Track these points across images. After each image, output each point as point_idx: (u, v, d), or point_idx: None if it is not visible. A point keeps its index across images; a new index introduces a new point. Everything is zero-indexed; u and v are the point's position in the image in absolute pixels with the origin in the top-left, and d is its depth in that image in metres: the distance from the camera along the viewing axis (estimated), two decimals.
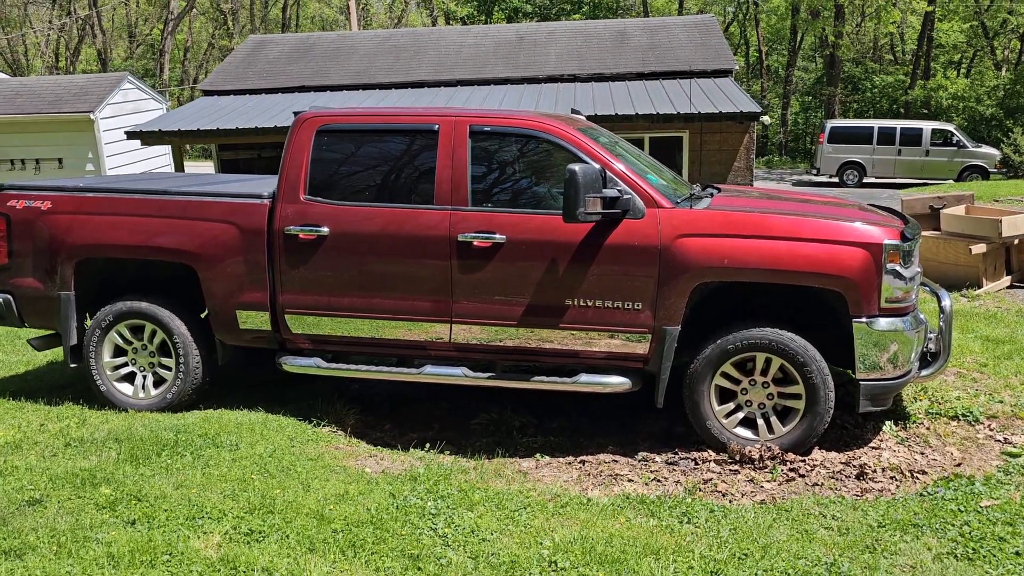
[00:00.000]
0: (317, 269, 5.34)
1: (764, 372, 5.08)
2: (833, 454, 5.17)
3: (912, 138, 25.88)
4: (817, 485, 4.88)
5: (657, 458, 5.29)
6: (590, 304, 5.04)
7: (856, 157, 26.40)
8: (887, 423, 5.51)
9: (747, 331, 5.02)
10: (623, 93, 12.06)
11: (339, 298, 5.35)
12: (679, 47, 13.80)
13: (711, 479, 5.02)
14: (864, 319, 4.86)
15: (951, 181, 25.11)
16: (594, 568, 3.51)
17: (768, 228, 4.94)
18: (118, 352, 5.91)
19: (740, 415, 5.18)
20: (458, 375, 5.32)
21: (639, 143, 11.54)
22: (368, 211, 5.29)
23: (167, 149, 16.17)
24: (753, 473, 5.05)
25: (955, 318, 8.48)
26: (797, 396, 5.06)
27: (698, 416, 5.16)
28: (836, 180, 26.66)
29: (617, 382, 5.16)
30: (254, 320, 5.52)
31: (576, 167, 4.66)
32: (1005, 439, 5.39)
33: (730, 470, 5.10)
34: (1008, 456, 5.08)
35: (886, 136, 26.14)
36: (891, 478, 4.92)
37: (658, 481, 5.01)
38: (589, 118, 11.01)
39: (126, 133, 12.00)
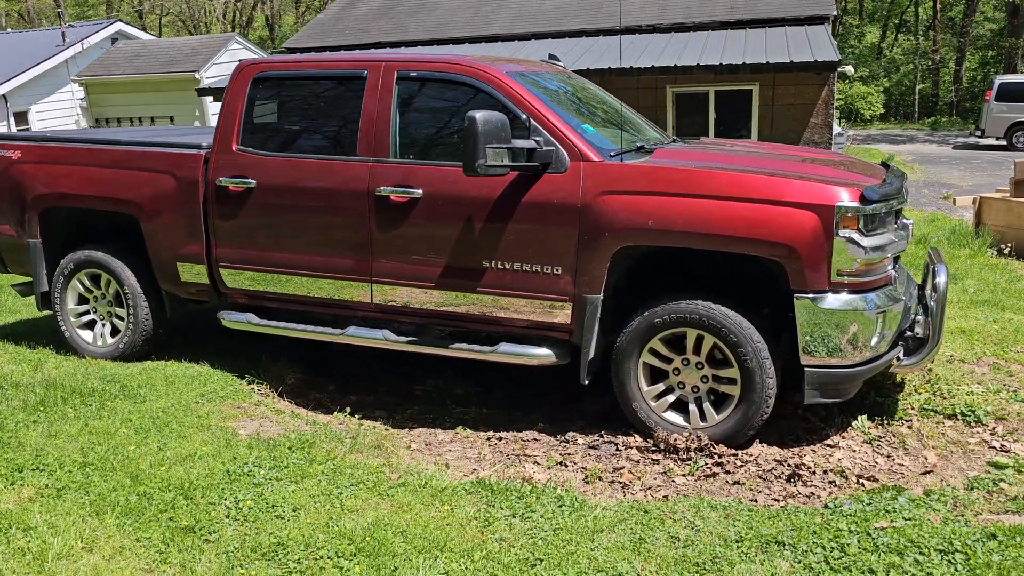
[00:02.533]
0: (247, 222, 5.15)
1: (698, 351, 4.45)
2: (775, 450, 4.51)
3: None
4: (737, 484, 4.27)
5: (580, 440, 4.83)
6: (508, 267, 4.58)
7: None
8: (861, 419, 4.73)
9: (675, 304, 4.39)
10: (698, 43, 11.11)
11: (268, 253, 5.16)
12: None
13: (622, 468, 4.51)
14: (809, 294, 4.11)
15: None
16: (357, 559, 3.16)
17: (698, 185, 4.25)
18: (82, 300, 6.05)
19: (671, 398, 4.59)
20: (379, 338, 5.00)
21: (703, 97, 10.63)
22: (292, 162, 5.04)
23: None
24: (672, 464, 4.49)
25: None
26: (732, 381, 4.42)
27: (624, 396, 4.60)
28: (1004, 143, 23.88)
29: (540, 354, 4.68)
30: (193, 273, 5.43)
31: (476, 114, 4.18)
32: (1002, 446, 4.51)
33: (650, 459, 4.57)
34: (993, 467, 4.24)
35: None
36: (829, 482, 4.22)
37: (562, 465, 4.56)
38: (646, 70, 10.30)
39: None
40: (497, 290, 4.63)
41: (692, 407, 4.54)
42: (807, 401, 4.30)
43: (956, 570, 3.05)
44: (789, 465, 4.36)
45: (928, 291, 4.65)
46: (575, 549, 3.26)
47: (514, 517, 3.58)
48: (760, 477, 4.31)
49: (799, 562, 3.16)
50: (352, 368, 5.97)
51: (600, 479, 4.37)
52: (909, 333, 4.55)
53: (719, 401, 4.51)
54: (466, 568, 3.11)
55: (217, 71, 15.51)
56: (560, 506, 3.71)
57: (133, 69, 15.38)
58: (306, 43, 14.13)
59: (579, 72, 9.17)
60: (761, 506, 3.76)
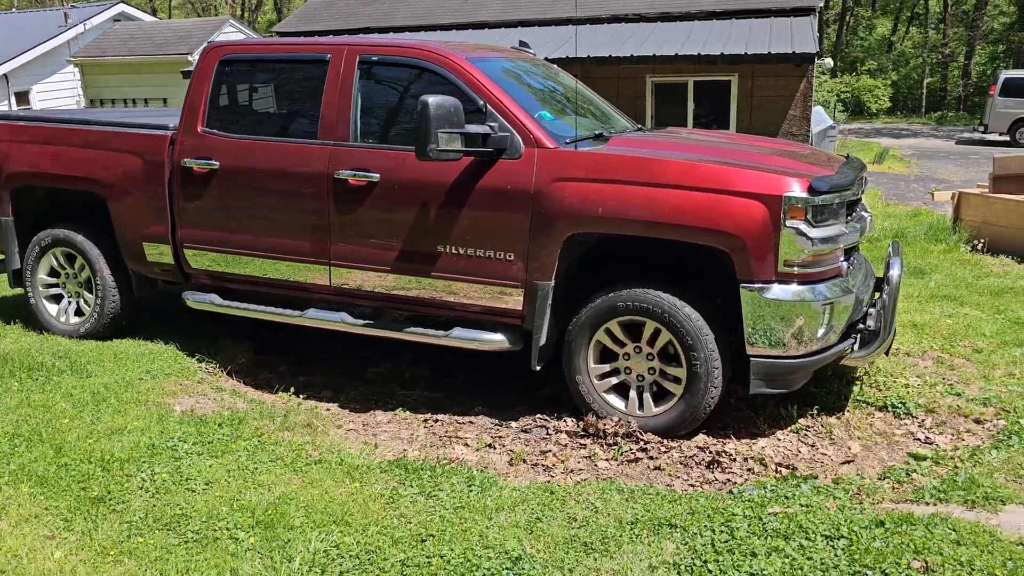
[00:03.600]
0: (210, 203, 5.22)
1: (652, 343, 4.45)
2: (701, 437, 4.56)
3: None
4: (658, 469, 4.34)
5: (514, 424, 4.90)
6: (462, 252, 4.60)
7: None
8: (791, 408, 4.77)
9: (628, 292, 4.40)
10: (682, 33, 11.10)
11: (230, 234, 5.21)
12: None
13: (549, 451, 4.59)
14: (755, 285, 4.11)
15: None
16: (254, 531, 3.25)
17: (647, 173, 4.26)
18: (54, 274, 6.13)
19: (614, 380, 4.62)
20: (337, 320, 5.05)
21: (682, 88, 10.62)
22: (255, 145, 5.10)
23: None
24: (598, 449, 4.56)
25: (1000, 295, 7.29)
26: (677, 380, 4.43)
27: (571, 372, 4.63)
28: (1007, 139, 23.70)
29: (493, 339, 4.70)
30: (158, 253, 5.49)
31: (429, 98, 4.20)
32: (926, 438, 4.55)
33: (578, 444, 4.64)
34: (912, 458, 4.28)
35: None
36: (748, 470, 4.28)
37: (491, 447, 4.64)
38: (625, 59, 10.32)
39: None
40: (451, 275, 4.66)
41: (633, 394, 4.58)
42: (753, 391, 4.29)
43: (836, 554, 3.11)
44: (711, 452, 4.41)
45: (884, 285, 4.64)
46: (470, 527, 3.34)
47: (421, 495, 3.66)
48: (681, 463, 4.37)
49: (686, 544, 3.22)
50: (311, 349, 6.04)
51: (524, 461, 4.44)
52: (862, 326, 4.53)
53: (662, 393, 4.54)
54: (357, 542, 3.19)
55: None
56: (470, 486, 3.79)
57: (127, 51, 15.48)
58: (296, 27, 14.20)
59: (558, 61, 9.19)
60: (666, 490, 3.82)
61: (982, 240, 9.41)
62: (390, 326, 4.96)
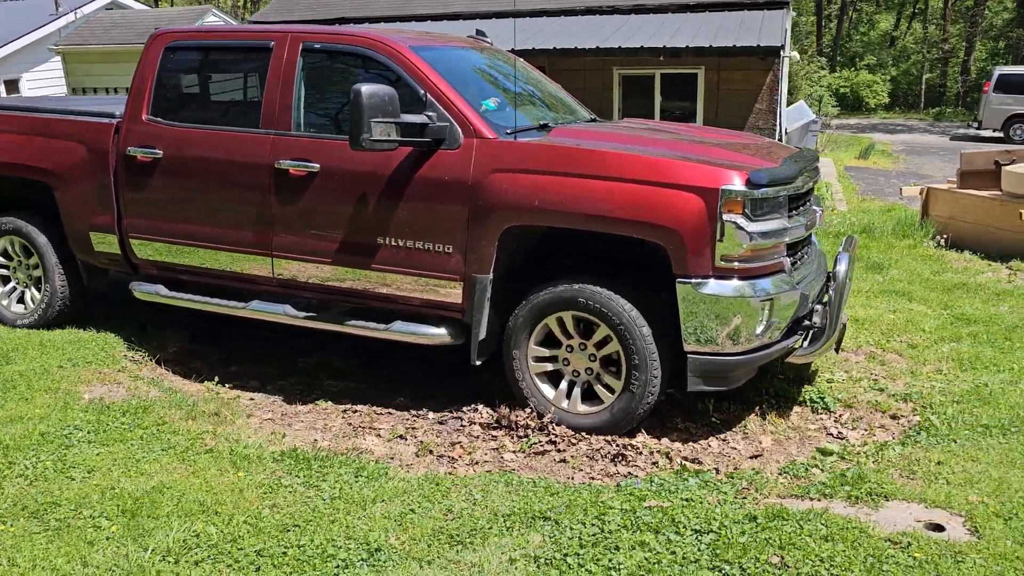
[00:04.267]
0: (154, 193, 5.16)
1: (591, 338, 4.35)
2: (619, 436, 4.51)
3: None
4: (563, 462, 4.31)
5: (432, 415, 4.88)
6: (401, 244, 4.53)
7: None
8: (708, 402, 4.74)
9: (566, 287, 4.30)
10: (652, 26, 11.03)
11: (175, 224, 5.16)
12: None
13: (459, 442, 4.57)
14: (691, 280, 4.00)
15: None
16: (118, 519, 3.25)
17: (584, 164, 4.17)
18: (6, 258, 6.04)
19: (549, 367, 4.53)
20: (280, 312, 4.98)
21: (649, 80, 10.54)
22: (198, 133, 5.03)
23: None
24: (507, 441, 4.54)
25: (952, 291, 7.23)
26: (616, 377, 4.33)
27: (508, 356, 4.54)
28: (1001, 135, 23.52)
29: (434, 333, 4.61)
30: (105, 243, 5.42)
31: (362, 87, 4.10)
32: (839, 433, 4.52)
33: (490, 435, 4.62)
34: (819, 453, 4.25)
35: None
36: (653, 463, 4.25)
37: (402, 438, 4.62)
38: (590, 51, 10.25)
39: None
40: (390, 267, 4.59)
41: (563, 385, 4.51)
42: (690, 388, 4.18)
43: (700, 548, 3.09)
44: (619, 446, 4.38)
45: (830, 280, 4.56)
46: (340, 517, 3.32)
47: (303, 485, 3.64)
48: (587, 456, 4.34)
49: (553, 537, 3.20)
50: (247, 339, 6.00)
51: (431, 452, 4.42)
52: (807, 322, 4.43)
53: (595, 392, 4.45)
54: (219, 531, 3.18)
55: None
56: (357, 476, 3.77)
57: (109, 39, 15.49)
58: (272, 17, 14.17)
59: (525, 52, 9.14)
60: (554, 483, 3.79)
61: (947, 236, 9.35)
62: (332, 319, 4.90)
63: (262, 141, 4.82)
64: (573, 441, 4.49)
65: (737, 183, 3.95)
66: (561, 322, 4.36)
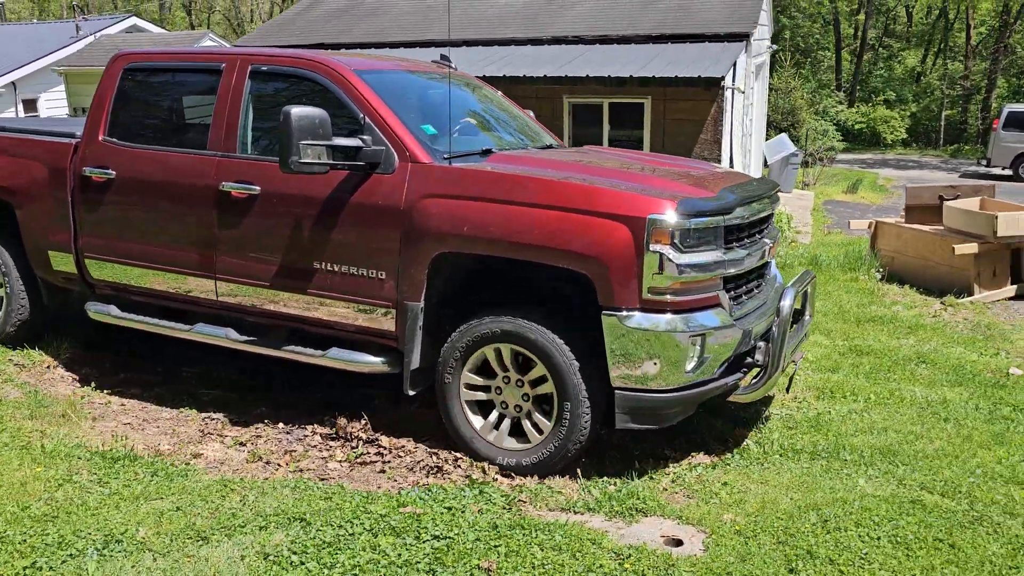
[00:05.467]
0: (107, 213, 5.17)
1: (524, 372, 4.18)
2: (445, 447, 4.63)
3: None
4: (382, 472, 4.44)
5: (282, 425, 5.03)
6: (336, 269, 4.46)
7: None
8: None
9: (494, 319, 4.13)
10: (609, 55, 11.19)
11: (126, 245, 5.16)
12: (708, 9, 12.53)
13: (294, 451, 4.71)
14: (618, 312, 3.82)
15: None
16: None
17: (511, 190, 4.04)
18: None
19: (481, 397, 4.35)
20: (221, 335, 4.95)
21: (598, 109, 10.69)
22: (148, 154, 5.05)
23: None
24: (339, 451, 4.68)
25: (866, 324, 7.24)
26: (546, 414, 4.15)
27: (441, 390, 4.38)
28: (1010, 173, 23.22)
29: (370, 361, 4.50)
30: (63, 262, 5.43)
31: (292, 109, 4.04)
32: (662, 452, 4.57)
33: (326, 445, 4.77)
34: (634, 472, 4.30)
35: None
36: (466, 476, 4.33)
37: (242, 445, 4.77)
38: (539, 79, 10.42)
39: None
40: (327, 292, 4.52)
41: (495, 418, 4.34)
42: (618, 426, 3.99)
43: (426, 553, 3.19)
44: (441, 459, 4.49)
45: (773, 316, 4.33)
46: (101, 511, 3.49)
47: (93, 482, 3.81)
48: (407, 468, 4.46)
49: (296, 536, 3.33)
50: (146, 348, 6.09)
51: (261, 459, 4.56)
52: (749, 359, 4.27)
53: (525, 428, 4.27)
54: None
55: None
56: (153, 476, 3.94)
57: (94, 61, 16.06)
58: (256, 41, 14.63)
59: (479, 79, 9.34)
60: (334, 488, 3.91)
61: (888, 269, 9.35)
62: (271, 344, 4.83)
63: (208, 163, 4.82)
64: (401, 454, 4.62)
65: (667, 212, 3.78)
66: (497, 353, 4.20)
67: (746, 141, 12.85)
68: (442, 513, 3.53)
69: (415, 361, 4.37)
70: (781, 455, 4.32)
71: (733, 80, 10.76)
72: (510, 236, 3.99)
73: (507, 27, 13.25)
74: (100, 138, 5.20)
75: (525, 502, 3.80)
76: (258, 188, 4.64)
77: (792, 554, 3.23)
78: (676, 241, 3.78)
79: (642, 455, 4.44)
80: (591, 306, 3.97)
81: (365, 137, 4.34)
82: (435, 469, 4.42)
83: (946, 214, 9.25)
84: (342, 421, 4.81)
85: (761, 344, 4.24)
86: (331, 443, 4.75)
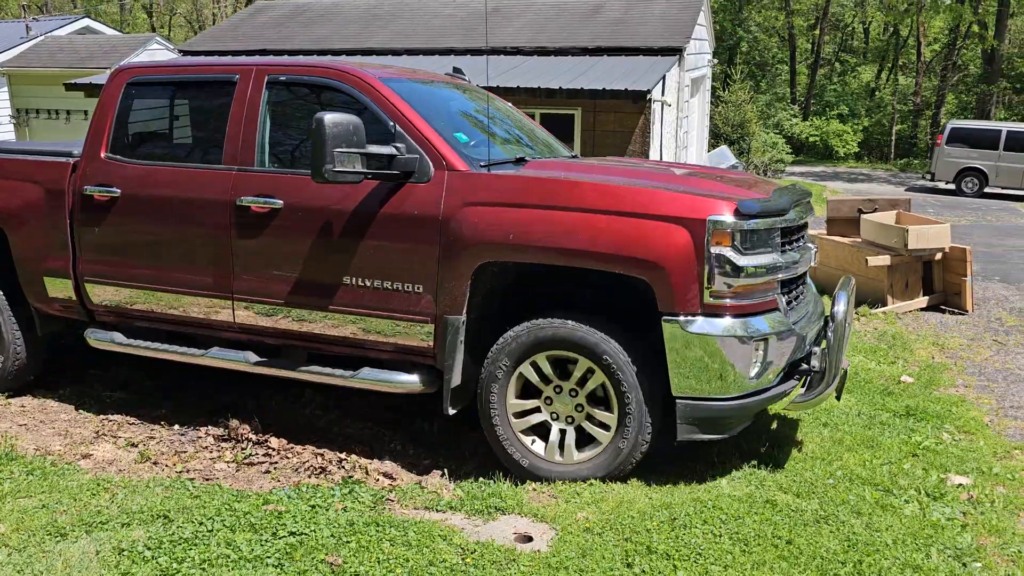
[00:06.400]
0: (111, 234, 4.91)
1: (581, 383, 4.07)
2: (332, 449, 4.74)
3: None
4: (267, 473, 4.55)
5: (177, 427, 5.14)
6: (369, 285, 4.25)
7: (978, 163, 23.36)
8: (432, 425, 4.94)
9: (551, 325, 4.00)
10: (542, 67, 11.40)
11: (132, 267, 4.89)
12: (648, 23, 12.82)
13: (184, 452, 4.80)
14: (679, 318, 3.74)
15: None
16: None
17: (560, 196, 3.91)
18: None
19: (535, 420, 4.19)
20: (240, 360, 4.71)
21: (530, 118, 10.87)
22: (157, 171, 4.81)
23: None
24: (228, 452, 4.76)
25: None
26: (605, 425, 4.06)
27: (485, 408, 4.20)
28: (952, 187, 23.81)
29: (405, 380, 4.30)
30: (60, 288, 5.15)
31: (324, 115, 3.86)
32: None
33: (217, 447, 4.86)
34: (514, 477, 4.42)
35: (1015, 141, 22.93)
36: (348, 477, 4.46)
37: (133, 446, 4.86)
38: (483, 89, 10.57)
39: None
40: (356, 309, 4.31)
41: (553, 437, 4.18)
42: (681, 437, 3.89)
43: (278, 548, 3.29)
44: (327, 460, 4.60)
45: (828, 322, 4.23)
46: None
47: None
48: (293, 469, 4.56)
49: (155, 533, 3.41)
50: (59, 354, 6.09)
51: (150, 460, 4.63)
52: (805, 366, 4.18)
53: (588, 438, 4.14)
54: None
55: None
56: (28, 475, 4.02)
57: (53, 63, 15.94)
58: (199, 47, 14.63)
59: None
60: (210, 488, 4.00)
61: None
62: (294, 366, 4.61)
63: (223, 177, 4.59)
64: (289, 455, 4.72)
65: (726, 213, 3.71)
66: (548, 362, 4.07)
67: (680, 153, 13.09)
68: (305, 511, 3.63)
69: (456, 378, 4.17)
70: (655, 458, 4.46)
71: (662, 93, 10.99)
72: (562, 243, 3.85)
73: (449, 37, 13.41)
74: (102, 155, 4.95)
75: (393, 501, 3.91)
76: (280, 201, 4.40)
77: (632, 550, 3.37)
78: (736, 243, 3.71)
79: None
80: (644, 312, 3.93)
81: (399, 145, 4.17)
82: (319, 470, 4.53)
83: (863, 227, 9.54)
84: (234, 423, 4.90)
85: (815, 350, 4.18)
86: (222, 444, 4.84)
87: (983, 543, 3.65)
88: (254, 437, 4.84)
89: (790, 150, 27.71)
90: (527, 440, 4.16)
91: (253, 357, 4.67)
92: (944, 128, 24.63)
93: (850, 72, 42.67)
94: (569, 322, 3.96)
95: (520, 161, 4.47)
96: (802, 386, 4.18)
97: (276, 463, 4.63)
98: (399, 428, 4.95)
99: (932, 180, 24.49)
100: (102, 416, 5.23)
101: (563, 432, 4.13)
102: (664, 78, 10.89)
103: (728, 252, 3.70)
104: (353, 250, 4.26)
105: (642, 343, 3.96)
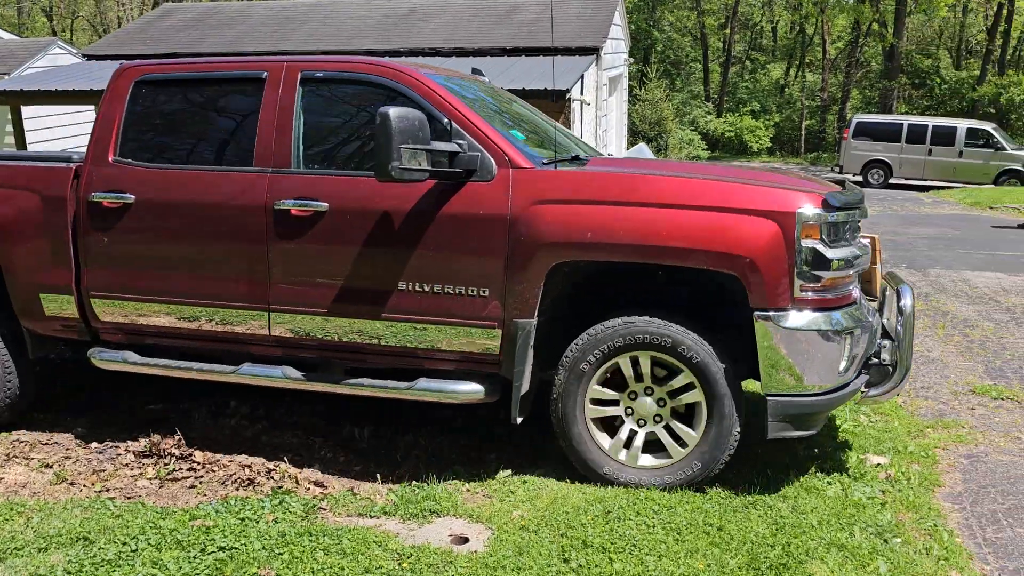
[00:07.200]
0: (124, 244, 4.51)
1: (661, 382, 3.99)
2: (259, 459, 4.61)
3: (945, 137, 23.65)
4: (193, 487, 4.39)
5: (95, 444, 4.93)
6: (427, 290, 4.02)
7: (883, 155, 24.38)
8: (363, 431, 4.87)
9: (637, 323, 3.88)
10: (461, 68, 11.43)
11: (148, 279, 4.52)
12: (562, 24, 12.97)
13: (103, 470, 4.61)
14: (771, 313, 3.68)
15: (989, 185, 22.93)
16: None
17: (643, 192, 3.81)
18: None
19: (609, 412, 4.08)
20: (277, 376, 4.38)
21: None
22: (178, 175, 4.45)
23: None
24: (150, 468, 4.59)
25: None
26: (690, 427, 3.96)
27: (565, 428, 4.03)
28: (859, 179, 24.73)
29: (467, 390, 4.07)
30: (60, 305, 4.70)
31: (390, 110, 3.63)
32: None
33: (138, 463, 4.68)
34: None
35: (916, 134, 23.99)
36: (278, 488, 4.33)
37: (48, 467, 4.63)
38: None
39: None
40: (414, 316, 4.08)
41: (622, 435, 4.07)
42: (771, 435, 3.82)
43: (207, 564, 3.20)
44: (255, 472, 4.48)
45: (894, 314, 4.20)
46: None
47: None
48: (220, 482, 4.42)
49: (74, 556, 3.28)
50: None
51: (66, 481, 4.44)
52: (875, 360, 4.15)
53: (673, 438, 4.04)
54: None
55: (32, 74, 15.38)
56: None
57: None
58: (104, 51, 14.15)
59: None
60: (132, 506, 3.87)
61: None
62: (341, 380, 4.33)
63: (257, 180, 4.28)
64: (214, 468, 4.59)
65: (814, 206, 3.69)
66: (634, 362, 3.96)
67: (601, 150, 13.23)
68: (234, 524, 3.54)
69: (525, 384, 3.98)
70: None
71: (581, 92, 11.12)
72: (644, 240, 3.74)
73: (364, 39, 13.28)
74: (111, 159, 4.57)
75: (325, 509, 3.85)
76: (325, 204, 4.13)
77: (568, 545, 3.40)
78: (824, 236, 3.70)
79: (459, 459, 4.56)
80: (723, 307, 3.93)
81: (461, 142, 3.97)
82: (247, 482, 4.41)
83: None
84: (155, 437, 4.74)
85: (886, 343, 4.15)
86: (144, 460, 4.67)
87: (902, 519, 3.80)
88: (177, 451, 4.68)
89: (706, 146, 28.41)
90: (599, 437, 4.04)
91: (292, 372, 4.36)
92: (850, 122, 25.62)
93: (760, 70, 43.95)
94: (663, 322, 3.85)
95: (576, 159, 4.32)
96: (870, 382, 4.14)
97: (202, 477, 4.49)
98: (329, 435, 4.86)
99: (841, 172, 25.39)
100: (13, 437, 4.99)
101: (633, 433, 4.04)
102: (583, 77, 11.02)
103: (818, 245, 3.67)
104: (410, 254, 4.03)
105: (718, 341, 3.89)
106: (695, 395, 3.89)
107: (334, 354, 4.38)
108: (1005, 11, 33.09)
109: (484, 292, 3.95)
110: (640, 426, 4.03)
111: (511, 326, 3.94)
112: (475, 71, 5.68)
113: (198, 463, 4.63)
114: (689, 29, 41.97)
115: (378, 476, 4.34)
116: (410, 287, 4.05)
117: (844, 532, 3.59)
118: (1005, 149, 23.15)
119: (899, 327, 4.08)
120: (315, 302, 4.23)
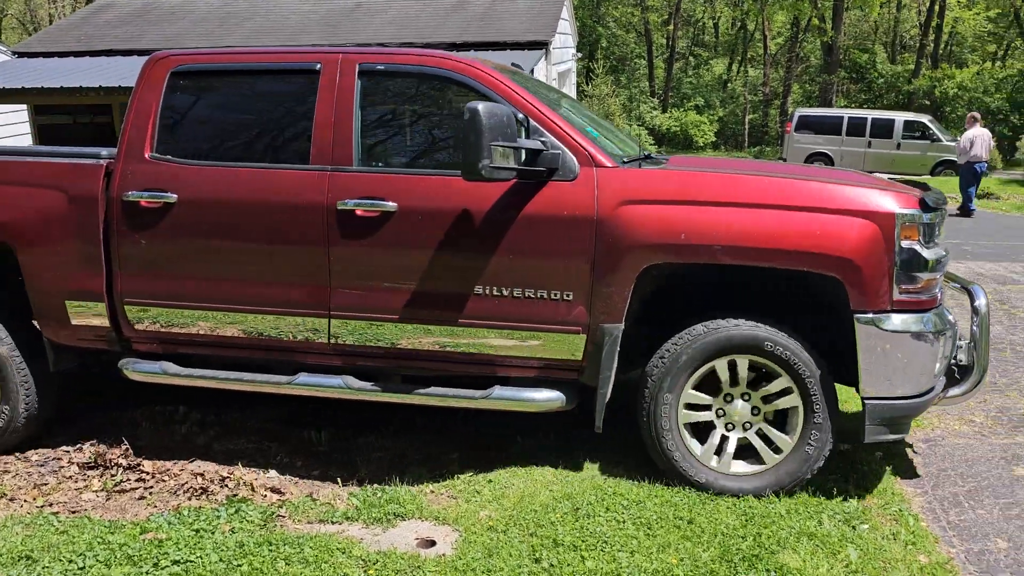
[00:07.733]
0: (163, 246, 4.22)
1: (755, 386, 3.91)
2: (212, 466, 4.44)
3: (883, 129, 24.17)
4: (142, 499, 4.21)
5: (35, 456, 4.70)
6: (507, 294, 3.85)
7: (824, 148, 24.81)
8: (320, 434, 4.72)
9: (735, 326, 3.80)
10: None
11: (192, 284, 4.23)
12: (512, 18, 12.91)
13: (45, 483, 4.39)
14: (871, 314, 3.63)
15: (927, 176, 23.51)
16: None
17: (740, 192, 3.71)
18: None
19: (701, 417, 3.98)
20: (337, 385, 4.15)
21: None
22: (226, 172, 4.16)
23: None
24: (96, 480, 4.39)
25: None
26: (786, 433, 3.90)
27: (656, 433, 3.92)
28: None
29: (546, 398, 3.92)
30: (89, 313, 4.36)
31: (479, 105, 3.44)
32: None
33: (83, 475, 4.47)
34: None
35: (856, 126, 24.49)
36: (233, 496, 4.16)
37: None
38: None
39: None
40: (494, 322, 3.90)
41: (713, 441, 3.97)
42: (868, 439, 3.75)
43: (133, 572, 3.04)
44: (208, 480, 4.31)
45: (971, 316, 4.15)
46: None
47: None
48: (170, 492, 4.25)
49: (16, 575, 3.08)
50: None
51: (5, 496, 4.21)
52: (953, 361, 4.09)
53: (765, 443, 3.96)
54: None
55: None
56: None
57: None
58: (36, 48, 13.63)
59: None
60: (77, 521, 3.69)
61: None
62: (409, 390, 4.11)
63: (316, 179, 4.04)
64: (164, 478, 4.40)
65: (912, 206, 3.66)
66: (731, 365, 3.86)
67: None
68: (189, 536, 3.39)
69: (609, 391, 3.87)
70: (548, 451, 4.43)
71: None
72: (743, 241, 3.63)
73: (309, 34, 13.03)
74: (147, 156, 4.26)
75: (284, 516, 3.71)
76: (394, 204, 3.92)
77: (539, 544, 3.32)
78: (921, 236, 3.66)
79: (421, 459, 4.45)
80: (818, 310, 3.89)
81: (544, 140, 3.81)
82: (200, 491, 4.24)
83: None
84: (101, 448, 4.55)
85: (962, 343, 4.12)
86: (89, 472, 4.47)
87: (868, 505, 3.81)
88: (124, 461, 4.48)
89: (652, 141, 28.62)
90: (691, 442, 3.94)
91: (354, 382, 4.13)
92: (792, 116, 26.05)
93: (703, 65, 44.50)
94: (769, 328, 3.78)
95: (649, 158, 4.19)
96: (948, 383, 4.10)
97: (152, 487, 4.30)
98: (285, 440, 4.70)
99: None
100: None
101: (724, 439, 3.95)
102: (532, 72, 10.94)
103: (916, 246, 3.63)
104: (488, 257, 3.85)
105: (812, 345, 3.84)
106: (791, 400, 3.81)
107: (400, 362, 4.16)
108: (937, 7, 34.03)
109: (568, 296, 3.81)
110: (729, 430, 3.95)
111: (597, 331, 3.81)
112: (514, 65, 5.44)
113: (147, 473, 4.44)
114: (633, 25, 42.26)
115: (338, 480, 4.21)
116: (487, 291, 3.89)
117: (813, 520, 3.58)
118: (940, 141, 23.73)
119: (974, 327, 4.06)
120: (383, 307, 4.02)
